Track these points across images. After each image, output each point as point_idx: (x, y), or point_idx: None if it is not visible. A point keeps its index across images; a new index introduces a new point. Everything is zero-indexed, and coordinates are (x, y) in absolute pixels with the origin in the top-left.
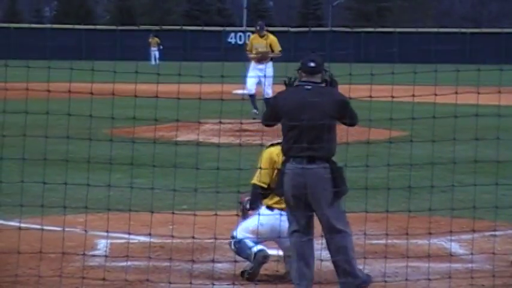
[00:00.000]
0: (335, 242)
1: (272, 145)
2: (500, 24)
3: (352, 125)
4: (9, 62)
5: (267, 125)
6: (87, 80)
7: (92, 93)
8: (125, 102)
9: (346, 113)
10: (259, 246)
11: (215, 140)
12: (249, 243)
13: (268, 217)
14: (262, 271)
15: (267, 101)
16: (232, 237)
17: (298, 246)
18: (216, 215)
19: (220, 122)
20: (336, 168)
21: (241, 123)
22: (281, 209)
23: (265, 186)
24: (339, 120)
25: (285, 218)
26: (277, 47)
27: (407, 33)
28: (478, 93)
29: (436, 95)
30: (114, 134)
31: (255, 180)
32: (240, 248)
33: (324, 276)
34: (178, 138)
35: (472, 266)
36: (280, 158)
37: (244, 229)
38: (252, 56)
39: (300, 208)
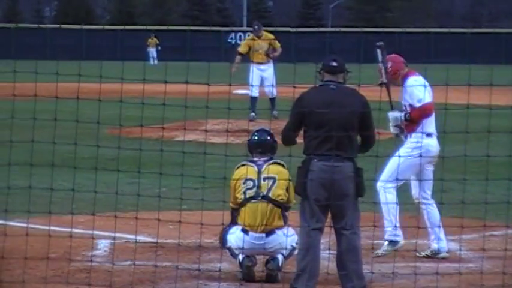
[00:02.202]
0: (349, 241)
1: (242, 165)
2: (500, 24)
3: (368, 138)
4: (10, 63)
5: (288, 136)
6: (87, 81)
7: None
8: (124, 102)
9: (368, 116)
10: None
11: (215, 140)
12: (236, 249)
13: (244, 240)
14: (262, 271)
15: (273, 100)
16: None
17: (316, 244)
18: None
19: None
20: (358, 168)
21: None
22: (254, 231)
23: (235, 206)
24: (359, 124)
25: (262, 241)
26: (278, 44)
27: (408, 33)
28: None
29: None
30: (115, 134)
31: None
32: (230, 253)
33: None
34: (179, 139)
35: (471, 265)
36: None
37: (229, 241)
38: (255, 60)
39: (322, 206)
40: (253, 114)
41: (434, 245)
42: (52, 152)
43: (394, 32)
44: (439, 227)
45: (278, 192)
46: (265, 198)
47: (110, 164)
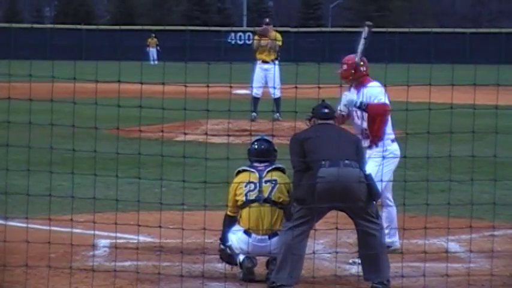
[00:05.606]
0: (376, 236)
1: (243, 171)
2: (500, 24)
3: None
4: (9, 63)
5: (300, 167)
6: (87, 80)
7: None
8: (124, 102)
9: (361, 151)
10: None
11: (215, 139)
12: (237, 250)
13: (246, 242)
14: (262, 271)
15: (277, 101)
16: (221, 240)
17: (299, 244)
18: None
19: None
20: (367, 173)
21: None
22: (257, 234)
23: (233, 214)
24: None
25: (265, 243)
26: (279, 42)
27: (408, 33)
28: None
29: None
30: (113, 134)
31: (227, 211)
32: (230, 251)
33: (319, 275)
34: (178, 138)
35: (471, 266)
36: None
37: (230, 239)
38: (259, 57)
39: (324, 209)
40: (254, 114)
41: (388, 240)
42: (51, 151)
43: (394, 31)
44: (395, 225)
45: (279, 194)
46: (267, 200)
47: (109, 164)
